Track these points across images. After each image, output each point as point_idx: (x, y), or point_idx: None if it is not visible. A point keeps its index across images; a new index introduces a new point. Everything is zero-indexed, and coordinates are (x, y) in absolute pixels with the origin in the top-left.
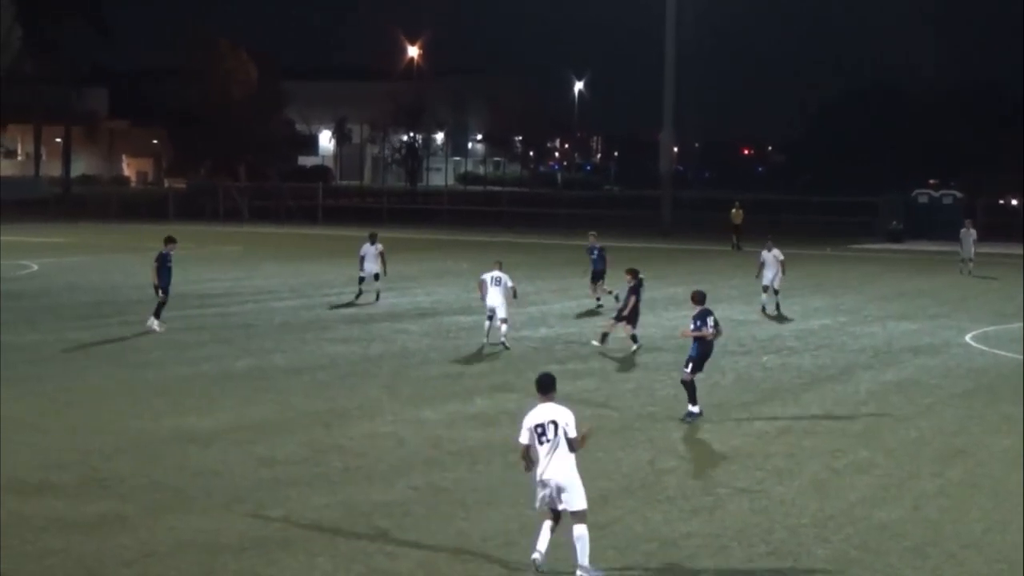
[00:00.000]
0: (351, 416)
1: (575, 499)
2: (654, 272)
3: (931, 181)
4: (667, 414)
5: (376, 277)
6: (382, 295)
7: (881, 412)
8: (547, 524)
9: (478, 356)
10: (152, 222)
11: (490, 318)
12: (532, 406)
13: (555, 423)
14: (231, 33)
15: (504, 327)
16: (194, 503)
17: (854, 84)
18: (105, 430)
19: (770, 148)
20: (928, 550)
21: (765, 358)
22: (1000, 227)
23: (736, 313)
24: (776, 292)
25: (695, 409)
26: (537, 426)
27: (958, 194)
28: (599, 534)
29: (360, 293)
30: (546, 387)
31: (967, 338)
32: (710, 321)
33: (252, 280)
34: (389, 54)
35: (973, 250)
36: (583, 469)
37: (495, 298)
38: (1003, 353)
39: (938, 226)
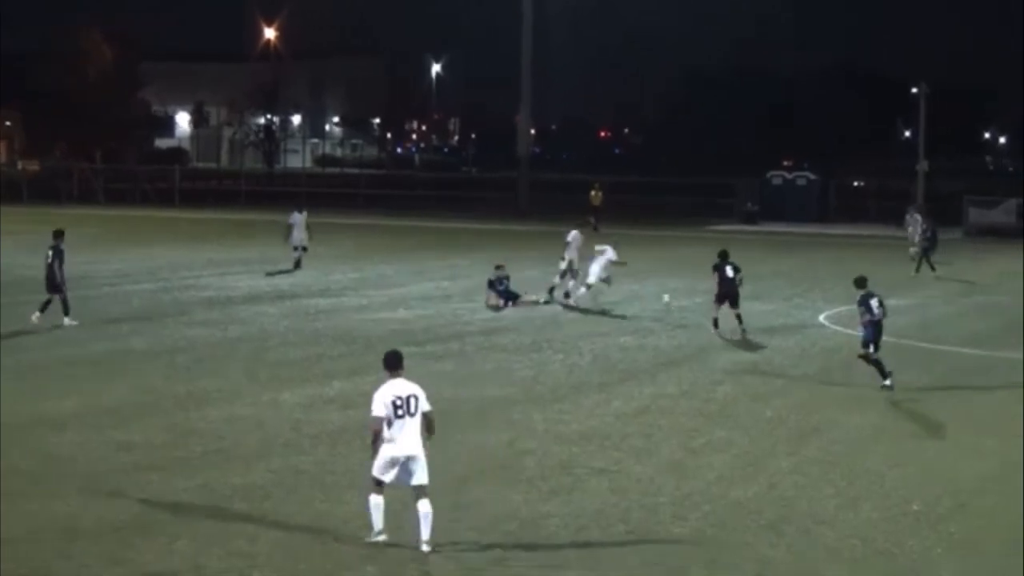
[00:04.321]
0: (210, 399)
1: (422, 472)
2: (508, 255)
3: (785, 163)
4: (525, 396)
5: (305, 248)
6: (242, 277)
7: (737, 392)
8: (380, 500)
9: (336, 339)
10: (6, 204)
11: (564, 275)
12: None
13: (416, 397)
14: (86, 14)
15: (583, 290)
16: (50, 488)
17: (711, 66)
18: None
19: (627, 130)
20: (783, 527)
21: (623, 339)
22: (851, 208)
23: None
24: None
25: (888, 382)
26: (396, 399)
27: (811, 176)
28: (459, 515)
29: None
30: (396, 363)
31: (821, 318)
32: (873, 304)
33: (109, 264)
34: (246, 35)
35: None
36: (442, 450)
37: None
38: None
39: (792, 208)
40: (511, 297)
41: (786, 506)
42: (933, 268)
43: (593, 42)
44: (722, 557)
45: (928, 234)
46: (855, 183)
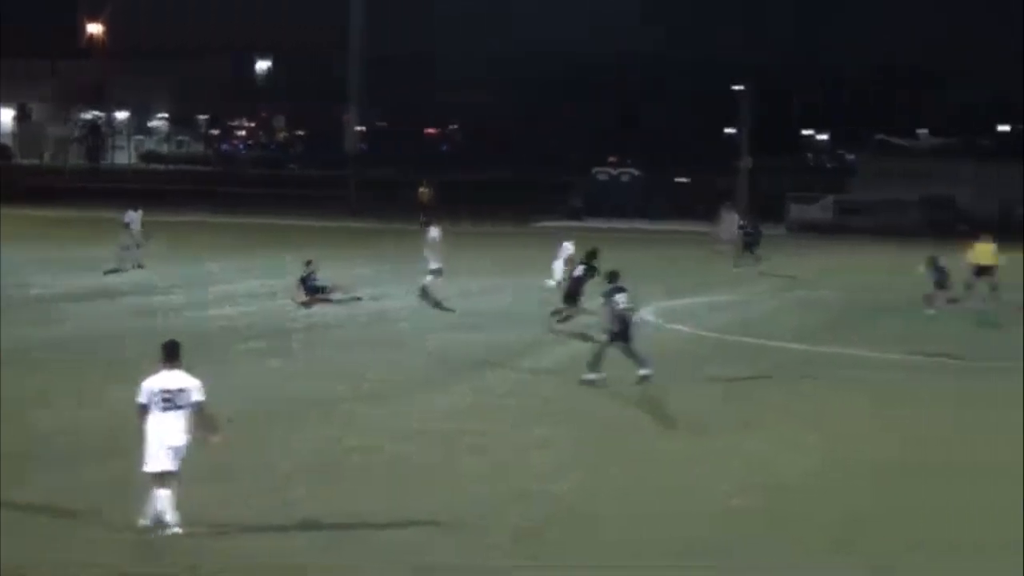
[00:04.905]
0: (49, 400)
1: (178, 462)
2: (339, 252)
3: (611, 159)
4: (353, 393)
5: (139, 246)
6: (63, 276)
7: (563, 388)
8: (164, 492)
9: (164, 337)
10: None
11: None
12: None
13: (185, 390)
14: None
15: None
16: None
17: (535, 62)
18: None
19: (456, 127)
20: (604, 520)
21: (451, 336)
22: (676, 205)
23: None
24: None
25: (591, 376)
26: (164, 391)
27: (635, 172)
28: (284, 510)
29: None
30: (172, 355)
31: (644, 313)
32: (620, 298)
33: None
34: (71, 33)
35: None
36: (267, 447)
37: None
38: (680, 327)
39: (616, 203)
40: (320, 291)
41: (607, 500)
42: (758, 261)
43: (423, 38)
44: (544, 552)
45: (749, 229)
46: (680, 179)
